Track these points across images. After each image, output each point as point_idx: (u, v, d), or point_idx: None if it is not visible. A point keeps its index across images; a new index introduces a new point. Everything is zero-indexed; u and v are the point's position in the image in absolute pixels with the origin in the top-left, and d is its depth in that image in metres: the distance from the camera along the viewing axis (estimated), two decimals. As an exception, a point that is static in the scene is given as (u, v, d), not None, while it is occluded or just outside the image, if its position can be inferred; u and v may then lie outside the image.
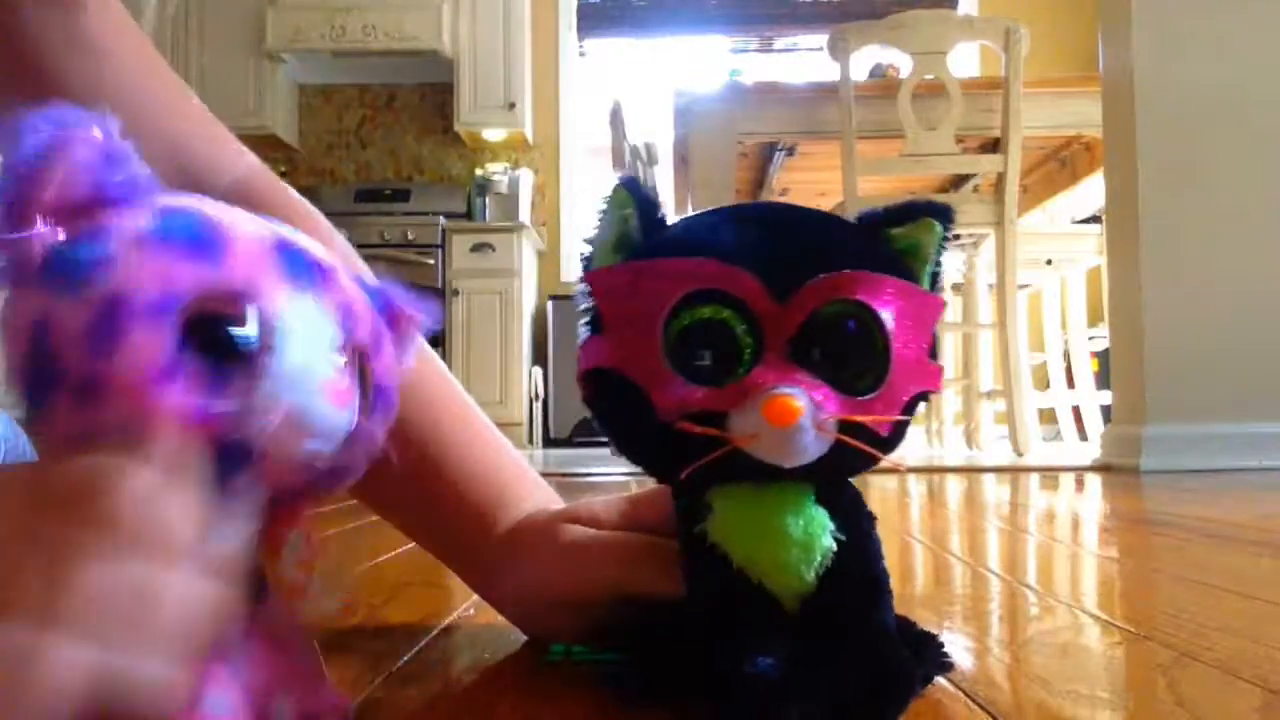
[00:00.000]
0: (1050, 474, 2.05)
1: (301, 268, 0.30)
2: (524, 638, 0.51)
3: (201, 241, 0.28)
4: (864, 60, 3.01)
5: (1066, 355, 3.47)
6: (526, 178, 4.88)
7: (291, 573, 0.33)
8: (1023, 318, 3.06)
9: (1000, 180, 2.59)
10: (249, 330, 0.28)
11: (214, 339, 0.27)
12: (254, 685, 0.31)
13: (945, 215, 0.37)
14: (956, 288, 3.34)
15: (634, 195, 0.37)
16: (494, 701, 0.38)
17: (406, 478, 0.46)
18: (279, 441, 0.28)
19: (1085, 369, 3.40)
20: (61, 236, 0.27)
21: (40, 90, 0.48)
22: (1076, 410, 3.51)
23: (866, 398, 0.34)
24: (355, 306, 0.31)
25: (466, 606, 0.60)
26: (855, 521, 0.37)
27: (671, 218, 0.38)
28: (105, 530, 0.25)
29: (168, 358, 0.27)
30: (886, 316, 0.34)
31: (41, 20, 0.48)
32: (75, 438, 0.27)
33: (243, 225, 0.29)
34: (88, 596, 0.24)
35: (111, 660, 0.24)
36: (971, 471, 2.19)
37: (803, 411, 0.32)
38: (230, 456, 0.28)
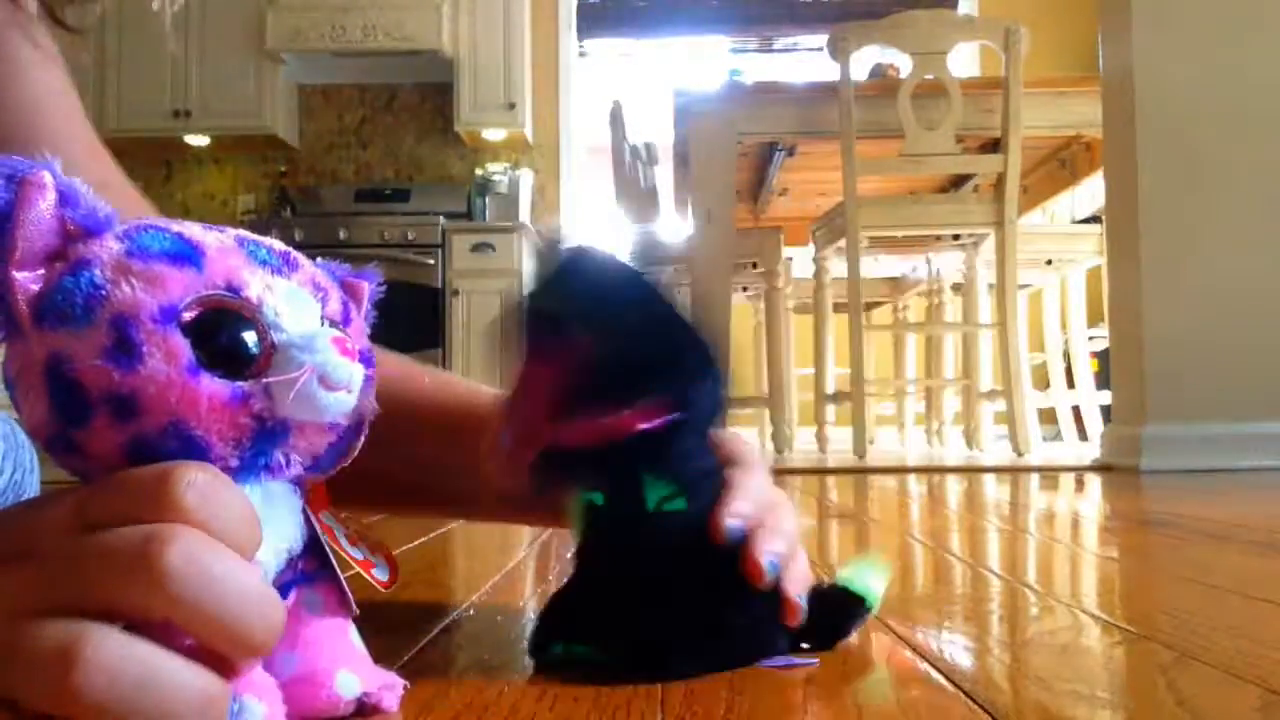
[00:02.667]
0: (1050, 474, 2.05)
1: (267, 255, 0.32)
2: (524, 637, 0.52)
3: (177, 252, 0.30)
4: (864, 60, 3.01)
5: (1066, 355, 3.47)
6: (526, 178, 4.88)
7: (353, 550, 0.36)
8: (1023, 318, 3.06)
9: (1000, 180, 2.59)
10: (247, 318, 0.30)
11: (219, 334, 0.29)
12: (313, 666, 0.33)
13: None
14: (956, 288, 3.34)
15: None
16: (493, 701, 0.38)
17: (448, 443, 0.52)
18: (310, 404, 0.30)
19: (1085, 369, 3.40)
20: (42, 283, 0.29)
21: None
22: (1076, 410, 3.51)
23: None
24: (320, 281, 0.34)
25: (466, 607, 0.60)
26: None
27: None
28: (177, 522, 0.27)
29: (189, 355, 0.28)
30: None
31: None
32: (124, 447, 0.28)
33: (202, 231, 0.32)
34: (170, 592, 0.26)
35: (162, 664, 0.25)
36: (971, 471, 2.19)
37: None
38: (269, 435, 0.30)
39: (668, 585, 0.41)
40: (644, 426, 0.39)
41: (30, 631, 0.25)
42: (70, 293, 0.28)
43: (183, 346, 0.28)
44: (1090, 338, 3.44)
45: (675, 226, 3.44)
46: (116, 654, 0.25)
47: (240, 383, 0.29)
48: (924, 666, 0.43)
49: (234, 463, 0.30)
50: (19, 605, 0.26)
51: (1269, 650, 0.45)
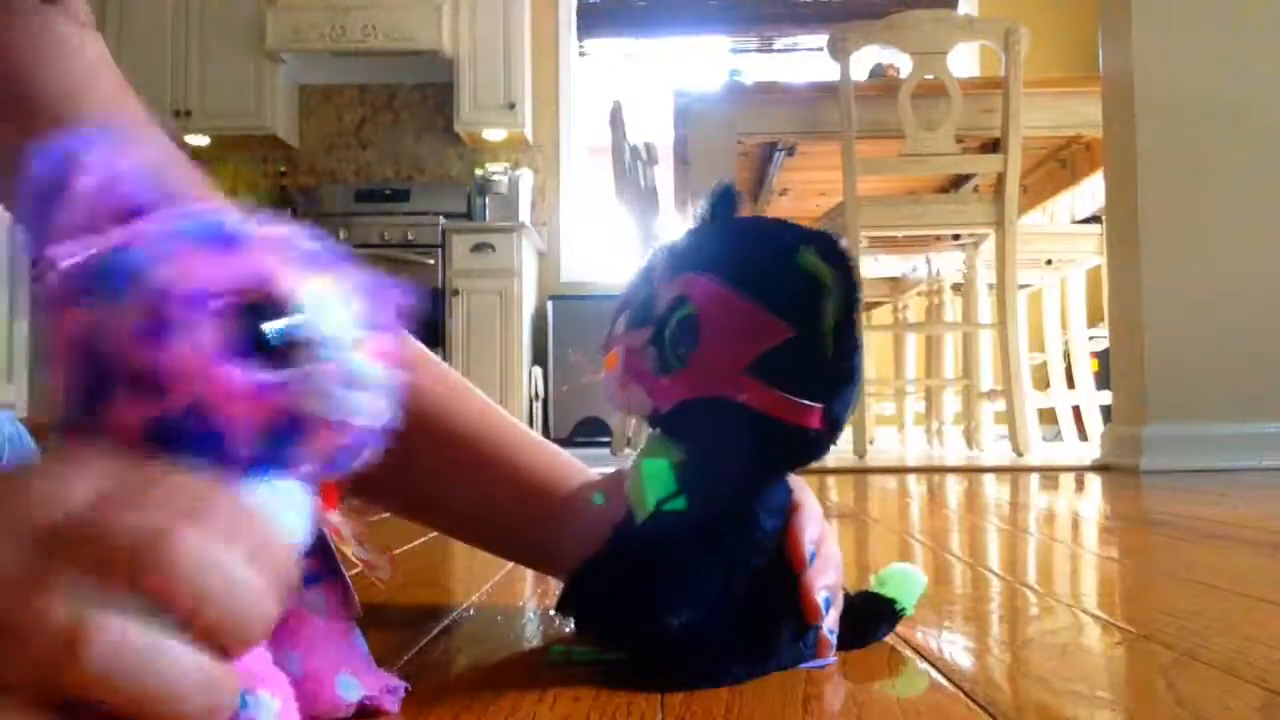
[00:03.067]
0: (1050, 474, 2.05)
1: (311, 255, 0.32)
2: (524, 637, 0.52)
3: (224, 238, 0.30)
4: (864, 60, 3.01)
5: (1066, 355, 3.47)
6: (526, 178, 4.88)
7: (359, 550, 0.36)
8: (1023, 318, 3.06)
9: (1000, 180, 2.59)
10: (279, 311, 0.30)
11: (249, 324, 0.29)
12: (315, 667, 0.33)
13: (839, 264, 0.40)
14: (956, 288, 3.34)
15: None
16: (493, 701, 0.38)
17: (466, 474, 0.52)
18: (332, 402, 0.31)
19: (1085, 369, 3.40)
20: (89, 253, 0.29)
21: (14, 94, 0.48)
22: (1076, 410, 3.51)
23: (665, 375, 0.40)
24: (354, 283, 0.34)
25: (466, 607, 0.60)
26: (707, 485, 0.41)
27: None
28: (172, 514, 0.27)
29: (221, 342, 0.29)
30: (699, 315, 0.40)
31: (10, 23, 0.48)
32: (144, 426, 0.29)
33: (246, 221, 0.31)
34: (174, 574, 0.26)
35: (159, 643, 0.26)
36: (971, 471, 2.19)
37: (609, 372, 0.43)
38: (287, 430, 0.30)
39: (692, 589, 0.40)
40: (815, 426, 0.40)
41: (31, 611, 0.25)
42: (108, 271, 0.29)
43: (212, 332, 0.28)
44: (1090, 338, 3.44)
45: (675, 226, 3.44)
46: (120, 631, 0.25)
47: (265, 374, 0.29)
48: (924, 666, 0.43)
49: (249, 454, 0.30)
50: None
51: (1269, 650, 0.45)
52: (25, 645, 0.25)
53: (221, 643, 0.27)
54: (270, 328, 0.30)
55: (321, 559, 0.34)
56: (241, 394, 0.29)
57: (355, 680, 0.34)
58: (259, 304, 0.30)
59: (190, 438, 0.29)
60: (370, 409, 0.32)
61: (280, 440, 0.30)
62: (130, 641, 0.25)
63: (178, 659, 0.26)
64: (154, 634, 0.26)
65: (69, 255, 0.29)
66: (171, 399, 0.28)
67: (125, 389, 0.28)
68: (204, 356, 0.28)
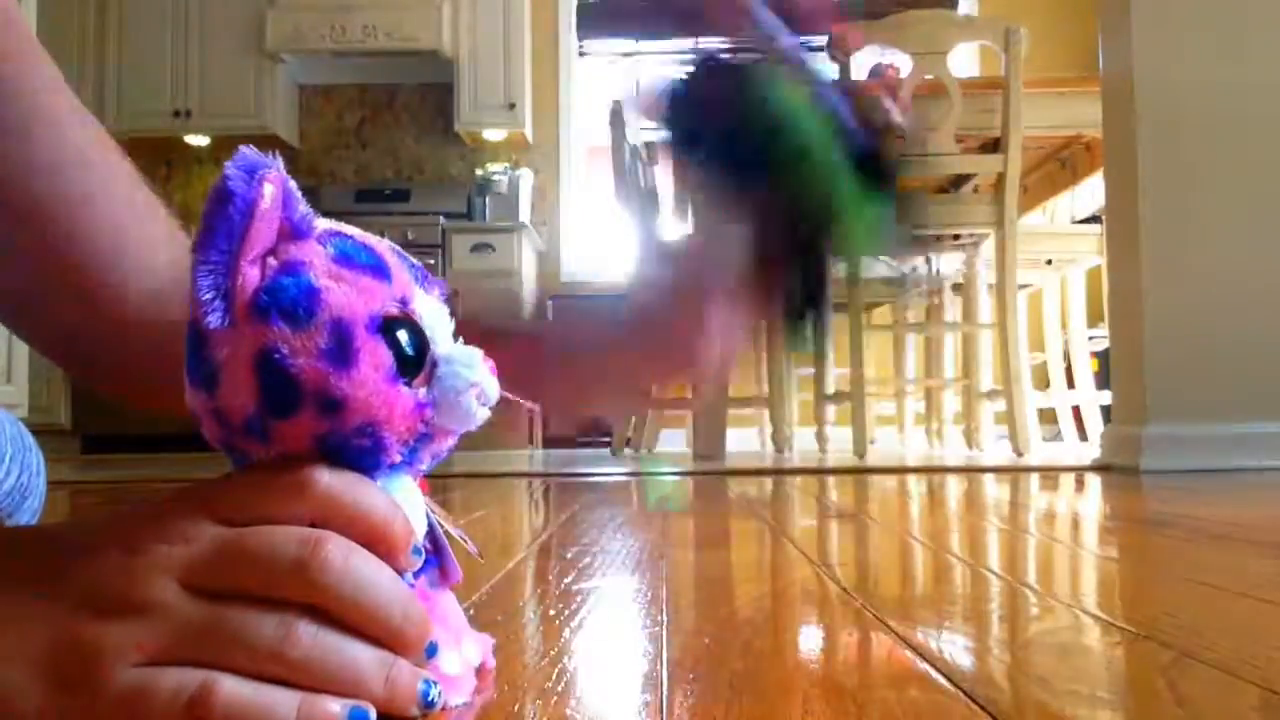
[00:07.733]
0: (1050, 474, 2.05)
1: (413, 270, 0.35)
2: (524, 638, 0.52)
3: (374, 264, 0.33)
4: (864, 60, 3.01)
5: (1066, 355, 3.47)
6: (526, 178, 4.88)
7: (456, 529, 0.39)
8: (1023, 318, 3.06)
9: (1000, 180, 2.59)
10: (419, 330, 0.33)
11: (403, 345, 0.32)
12: (444, 638, 0.36)
13: None
14: (956, 288, 3.34)
15: None
16: (494, 701, 0.38)
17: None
18: (465, 416, 0.34)
19: (1085, 369, 3.40)
20: (259, 277, 0.31)
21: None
22: (1076, 410, 3.51)
23: None
24: (442, 295, 0.37)
25: (466, 607, 0.60)
26: None
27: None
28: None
29: (391, 364, 0.32)
30: None
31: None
32: (318, 439, 0.32)
33: (376, 241, 0.34)
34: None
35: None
36: (971, 471, 2.19)
37: None
38: (424, 438, 0.34)
39: None
40: None
41: (157, 680, 0.28)
42: (289, 291, 0.30)
43: (387, 356, 0.31)
44: (1090, 338, 3.44)
45: (675, 226, 3.43)
46: (240, 694, 0.28)
47: (420, 393, 0.33)
48: (924, 666, 0.43)
49: (397, 458, 0.33)
50: (146, 648, 0.29)
51: (1269, 650, 0.45)
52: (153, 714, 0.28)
53: (385, 638, 0.31)
54: (421, 348, 0.33)
55: (430, 540, 0.36)
56: (405, 413, 0.32)
57: (475, 646, 0.38)
58: (407, 325, 0.33)
59: (362, 450, 0.32)
60: (484, 419, 0.35)
61: (418, 447, 0.34)
62: (299, 637, 0.30)
63: (347, 647, 0.30)
64: (270, 692, 0.29)
65: (253, 272, 0.31)
66: (350, 416, 0.31)
67: (310, 406, 0.31)
68: (381, 379, 0.31)
